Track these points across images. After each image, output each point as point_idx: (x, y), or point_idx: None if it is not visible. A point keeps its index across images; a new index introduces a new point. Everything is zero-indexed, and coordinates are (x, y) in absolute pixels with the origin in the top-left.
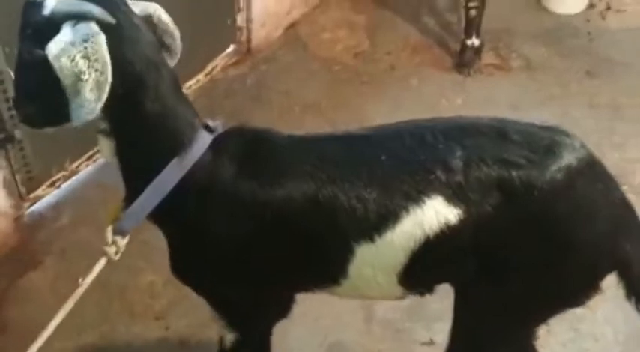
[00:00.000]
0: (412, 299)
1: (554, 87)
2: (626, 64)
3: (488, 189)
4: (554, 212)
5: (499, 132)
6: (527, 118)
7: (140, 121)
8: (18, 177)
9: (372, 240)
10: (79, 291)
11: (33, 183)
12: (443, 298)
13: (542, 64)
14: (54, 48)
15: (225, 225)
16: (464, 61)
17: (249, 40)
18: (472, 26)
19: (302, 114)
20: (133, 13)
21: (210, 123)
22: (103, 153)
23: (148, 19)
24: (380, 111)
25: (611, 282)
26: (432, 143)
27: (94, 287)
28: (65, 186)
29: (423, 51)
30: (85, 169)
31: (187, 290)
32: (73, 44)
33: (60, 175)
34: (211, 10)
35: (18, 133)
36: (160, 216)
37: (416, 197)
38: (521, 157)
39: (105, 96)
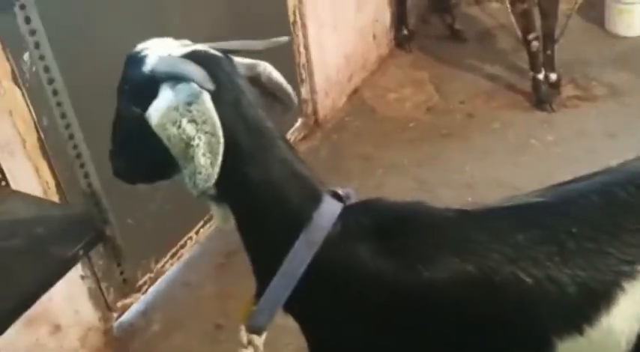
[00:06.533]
0: None
1: None
2: None
3: None
4: None
5: None
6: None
7: (247, 190)
8: (103, 285)
9: (581, 332)
10: None
11: (119, 290)
12: None
13: (626, 87)
14: (156, 115)
15: (366, 313)
16: (542, 97)
17: (315, 112)
18: (536, 59)
19: (385, 176)
20: (236, 73)
21: (340, 191)
22: (216, 221)
23: (256, 78)
24: (467, 161)
25: None
26: (627, 199)
27: None
28: (152, 289)
29: (497, 95)
30: (170, 269)
31: None
32: (176, 109)
33: (146, 277)
34: None
35: (108, 230)
36: (293, 304)
37: (630, 270)
38: None
39: (220, 158)
